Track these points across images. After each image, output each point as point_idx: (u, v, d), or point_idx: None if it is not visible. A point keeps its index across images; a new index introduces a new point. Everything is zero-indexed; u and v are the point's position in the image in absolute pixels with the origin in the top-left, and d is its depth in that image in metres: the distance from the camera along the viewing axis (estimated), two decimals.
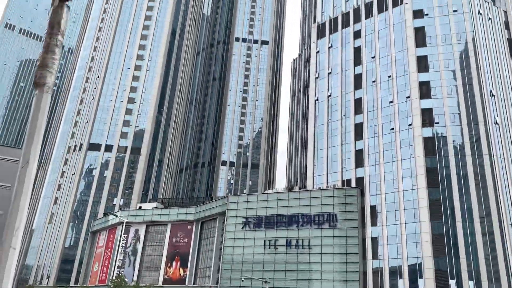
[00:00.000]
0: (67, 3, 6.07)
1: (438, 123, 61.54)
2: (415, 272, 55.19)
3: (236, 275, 64.99)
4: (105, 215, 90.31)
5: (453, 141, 59.97)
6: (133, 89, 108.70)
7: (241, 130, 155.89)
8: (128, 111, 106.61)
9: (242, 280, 60.47)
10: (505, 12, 70.80)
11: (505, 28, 69.57)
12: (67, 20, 6.08)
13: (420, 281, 54.18)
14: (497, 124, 60.21)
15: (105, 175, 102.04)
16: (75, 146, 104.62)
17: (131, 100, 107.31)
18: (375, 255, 59.25)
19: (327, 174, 69.50)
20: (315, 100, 76.76)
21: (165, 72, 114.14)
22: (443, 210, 56.40)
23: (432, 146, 60.64)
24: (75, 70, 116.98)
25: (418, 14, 69.49)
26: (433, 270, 53.69)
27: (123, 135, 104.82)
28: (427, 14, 68.67)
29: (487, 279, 51.65)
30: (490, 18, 68.40)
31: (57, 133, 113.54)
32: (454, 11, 67.18)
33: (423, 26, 68.30)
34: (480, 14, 67.50)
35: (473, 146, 58.76)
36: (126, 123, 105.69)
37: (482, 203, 55.31)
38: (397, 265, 57.13)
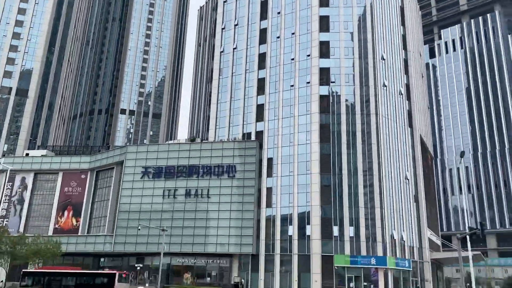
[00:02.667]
0: None
1: (334, 82, 65.15)
2: (304, 219, 59.87)
3: (133, 224, 64.51)
4: None
5: (346, 100, 64.26)
6: (18, 23, 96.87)
7: (143, 77, 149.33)
8: (13, 48, 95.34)
9: (139, 229, 60.31)
10: None
11: None
12: None
13: (308, 227, 59.03)
14: (385, 86, 65.68)
15: None
16: None
17: (16, 36, 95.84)
18: (269, 204, 62.79)
19: (229, 127, 70.55)
20: (221, 52, 76.03)
21: (58, 7, 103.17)
22: (332, 164, 61.16)
23: (327, 104, 64.38)
24: None
25: None
26: (319, 218, 58.71)
27: (7, 74, 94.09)
28: None
29: (364, 226, 58.04)
30: None
31: None
32: None
33: None
34: None
35: (362, 106, 63.68)
36: (10, 61, 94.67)
37: (366, 158, 60.98)
38: (288, 213, 61.33)
